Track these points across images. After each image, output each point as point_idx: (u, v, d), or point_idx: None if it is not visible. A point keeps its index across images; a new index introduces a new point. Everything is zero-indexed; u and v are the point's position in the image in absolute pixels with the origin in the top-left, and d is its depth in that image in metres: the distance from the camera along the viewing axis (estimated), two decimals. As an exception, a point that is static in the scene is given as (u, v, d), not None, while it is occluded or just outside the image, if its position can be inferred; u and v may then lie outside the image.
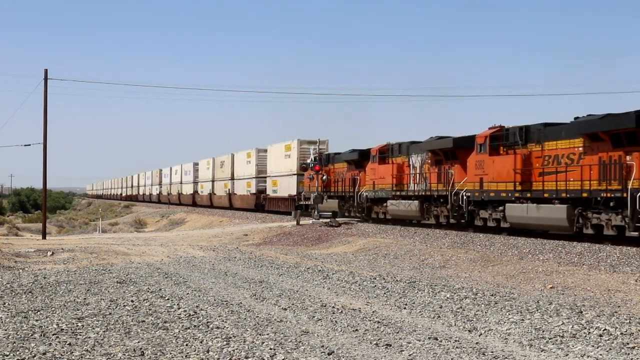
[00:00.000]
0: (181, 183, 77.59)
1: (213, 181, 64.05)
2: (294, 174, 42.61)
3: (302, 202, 39.25)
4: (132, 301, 11.57)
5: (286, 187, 44.32)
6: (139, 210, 76.65)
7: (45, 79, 33.49)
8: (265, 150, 50.17)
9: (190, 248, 24.60)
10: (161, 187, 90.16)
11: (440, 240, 23.79)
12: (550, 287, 14.63)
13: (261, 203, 49.48)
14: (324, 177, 36.02)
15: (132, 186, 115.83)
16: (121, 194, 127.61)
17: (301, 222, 33.55)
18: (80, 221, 66.32)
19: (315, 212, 34.85)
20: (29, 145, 48.58)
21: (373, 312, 10.74)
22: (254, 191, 51.01)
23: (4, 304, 11.47)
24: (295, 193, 41.95)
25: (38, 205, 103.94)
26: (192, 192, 72.17)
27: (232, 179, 57.64)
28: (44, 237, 33.00)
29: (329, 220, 33.31)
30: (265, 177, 49.47)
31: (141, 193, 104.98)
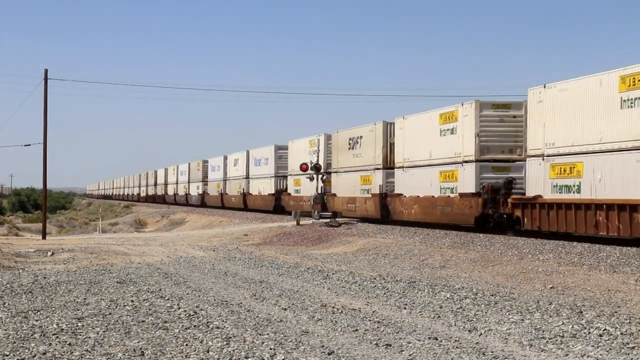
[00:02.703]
0: (247, 178, 52.11)
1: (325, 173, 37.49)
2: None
3: None
4: (132, 301, 11.58)
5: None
6: (139, 210, 76.69)
7: (45, 79, 33.55)
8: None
9: (190, 248, 24.61)
10: (207, 185, 65.13)
11: (440, 240, 23.78)
12: (550, 287, 14.63)
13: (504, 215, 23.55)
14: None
15: (155, 184, 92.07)
16: (138, 194, 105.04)
17: (301, 222, 33.56)
18: (80, 221, 66.46)
19: (315, 212, 34.75)
20: (29, 145, 48.80)
21: (373, 312, 10.74)
22: (470, 190, 24.67)
23: (4, 304, 11.47)
24: None
25: (38, 205, 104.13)
26: (272, 191, 46.27)
27: (391, 167, 30.57)
28: (44, 237, 33.03)
29: (329, 220, 33.29)
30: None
31: (170, 193, 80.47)
